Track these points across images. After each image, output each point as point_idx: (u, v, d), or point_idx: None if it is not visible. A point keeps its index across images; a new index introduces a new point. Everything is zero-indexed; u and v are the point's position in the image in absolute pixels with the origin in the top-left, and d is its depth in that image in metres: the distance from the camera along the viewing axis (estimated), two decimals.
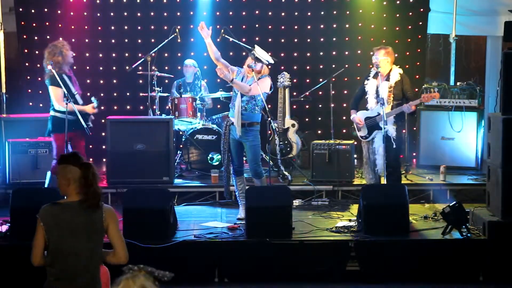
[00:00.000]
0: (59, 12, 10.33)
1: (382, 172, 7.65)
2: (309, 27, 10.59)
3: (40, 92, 10.33)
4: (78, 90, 7.65)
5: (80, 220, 3.95)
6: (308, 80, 10.45)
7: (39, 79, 10.26)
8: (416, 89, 9.88)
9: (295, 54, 10.63)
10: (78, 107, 7.49)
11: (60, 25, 10.33)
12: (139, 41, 10.51)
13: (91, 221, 3.98)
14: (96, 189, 3.97)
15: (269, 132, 8.74)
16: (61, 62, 7.42)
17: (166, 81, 10.11)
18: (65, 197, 4.04)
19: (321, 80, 9.72)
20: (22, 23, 10.33)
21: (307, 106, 10.46)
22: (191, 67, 9.78)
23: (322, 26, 10.56)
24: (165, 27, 10.14)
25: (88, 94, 10.34)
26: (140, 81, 10.35)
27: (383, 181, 7.73)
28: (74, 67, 10.36)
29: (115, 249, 4.09)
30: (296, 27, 10.61)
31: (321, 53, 10.61)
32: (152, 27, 10.48)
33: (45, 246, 3.95)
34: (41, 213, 3.96)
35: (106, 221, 4.02)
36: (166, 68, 10.23)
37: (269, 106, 7.57)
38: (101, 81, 10.62)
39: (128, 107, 10.59)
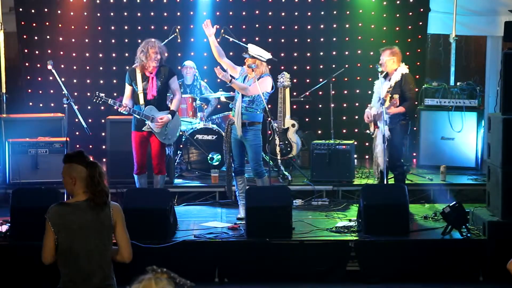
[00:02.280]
0: (59, 12, 10.32)
1: (381, 170, 7.71)
2: (309, 27, 10.59)
3: (40, 92, 10.34)
4: (150, 90, 7.41)
5: (89, 219, 3.94)
6: (308, 80, 10.44)
7: (39, 79, 10.29)
8: (417, 89, 9.89)
9: (295, 54, 10.62)
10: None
11: (60, 25, 10.34)
12: (139, 41, 10.42)
13: (100, 219, 3.96)
14: (104, 187, 3.96)
15: (269, 132, 8.74)
16: (143, 60, 7.39)
17: None
18: (71, 197, 4.03)
19: (321, 80, 9.71)
20: (22, 23, 10.32)
21: (307, 106, 10.44)
22: (191, 69, 9.75)
23: (322, 26, 10.56)
24: (165, 27, 10.13)
25: (88, 94, 10.44)
26: None
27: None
28: (74, 67, 10.49)
29: (120, 247, 4.08)
30: (296, 27, 10.60)
31: (321, 53, 10.60)
32: (152, 27, 10.47)
33: (55, 246, 3.92)
34: (49, 214, 3.93)
35: (114, 218, 4.02)
36: None
37: (269, 106, 7.56)
38: (101, 81, 10.61)
39: None
